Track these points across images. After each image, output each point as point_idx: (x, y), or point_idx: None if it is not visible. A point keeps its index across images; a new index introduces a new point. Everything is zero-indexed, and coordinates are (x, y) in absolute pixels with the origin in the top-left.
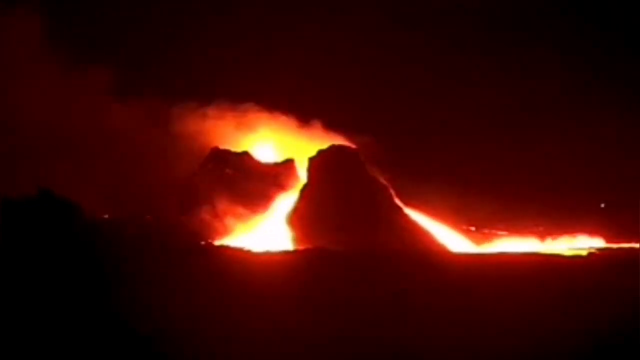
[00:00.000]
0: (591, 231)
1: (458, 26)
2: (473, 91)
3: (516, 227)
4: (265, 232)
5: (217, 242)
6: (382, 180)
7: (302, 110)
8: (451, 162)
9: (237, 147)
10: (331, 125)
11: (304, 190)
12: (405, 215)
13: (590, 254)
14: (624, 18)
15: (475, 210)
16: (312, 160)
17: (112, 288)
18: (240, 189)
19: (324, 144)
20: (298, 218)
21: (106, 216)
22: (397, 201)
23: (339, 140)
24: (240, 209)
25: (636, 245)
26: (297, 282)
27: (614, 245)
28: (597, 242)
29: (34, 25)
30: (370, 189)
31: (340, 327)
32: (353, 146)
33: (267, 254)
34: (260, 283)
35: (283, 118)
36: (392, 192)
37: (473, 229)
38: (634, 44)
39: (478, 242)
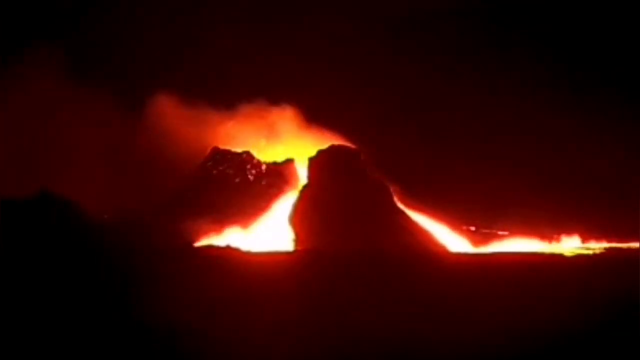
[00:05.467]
0: (591, 231)
1: (459, 27)
2: (473, 92)
3: (516, 227)
4: (266, 232)
5: (217, 243)
6: (382, 180)
7: (303, 110)
8: (451, 162)
9: (238, 147)
10: (331, 125)
11: (304, 190)
12: (405, 215)
13: (590, 254)
14: (624, 18)
15: (475, 210)
16: (312, 160)
17: (111, 288)
18: (241, 189)
19: (324, 144)
20: (298, 218)
21: (106, 216)
22: (397, 201)
23: (339, 140)
24: (240, 209)
25: (636, 245)
26: (297, 283)
27: (614, 245)
28: (597, 242)
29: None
30: (370, 189)
31: (340, 327)
32: (353, 146)
33: (267, 254)
34: (261, 284)
35: (283, 118)
36: (392, 192)
37: (473, 229)
38: (634, 44)
39: (478, 242)
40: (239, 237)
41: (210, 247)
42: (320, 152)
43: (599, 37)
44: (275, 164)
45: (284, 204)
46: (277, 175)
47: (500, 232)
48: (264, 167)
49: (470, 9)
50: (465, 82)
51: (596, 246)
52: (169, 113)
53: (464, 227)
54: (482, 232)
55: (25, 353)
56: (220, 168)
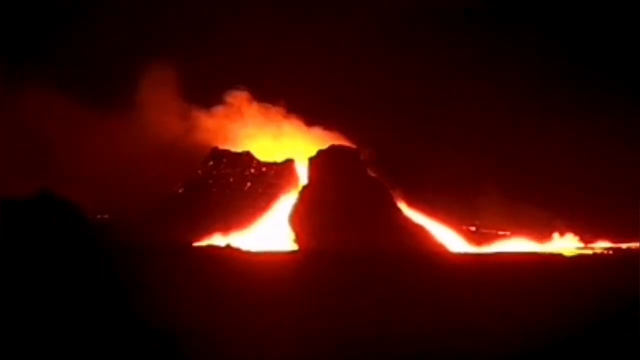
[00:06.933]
0: (591, 231)
1: (458, 27)
2: (473, 92)
3: (516, 227)
4: (266, 232)
5: (217, 243)
6: (382, 180)
7: (303, 111)
8: (451, 162)
9: (238, 147)
10: (331, 126)
11: (304, 190)
12: (405, 215)
13: (590, 254)
14: (624, 19)
15: (475, 210)
16: (312, 160)
17: (111, 288)
18: (240, 189)
19: (324, 144)
20: (298, 218)
21: (106, 216)
22: (397, 201)
23: (339, 141)
24: (240, 209)
25: (636, 245)
26: (297, 282)
27: (614, 245)
28: (597, 243)
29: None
30: (370, 189)
31: (340, 326)
32: (353, 146)
33: (267, 254)
34: (260, 283)
35: (284, 118)
36: (392, 192)
37: (473, 229)
38: (635, 44)
39: (478, 242)
40: (239, 237)
41: (210, 247)
42: (320, 152)
43: (600, 36)
44: (275, 164)
45: (284, 204)
46: (277, 175)
47: (500, 232)
48: (264, 167)
49: (469, 9)
50: (465, 82)
51: (596, 246)
52: (170, 114)
53: (464, 227)
54: (482, 232)
55: (25, 353)
56: (220, 168)
